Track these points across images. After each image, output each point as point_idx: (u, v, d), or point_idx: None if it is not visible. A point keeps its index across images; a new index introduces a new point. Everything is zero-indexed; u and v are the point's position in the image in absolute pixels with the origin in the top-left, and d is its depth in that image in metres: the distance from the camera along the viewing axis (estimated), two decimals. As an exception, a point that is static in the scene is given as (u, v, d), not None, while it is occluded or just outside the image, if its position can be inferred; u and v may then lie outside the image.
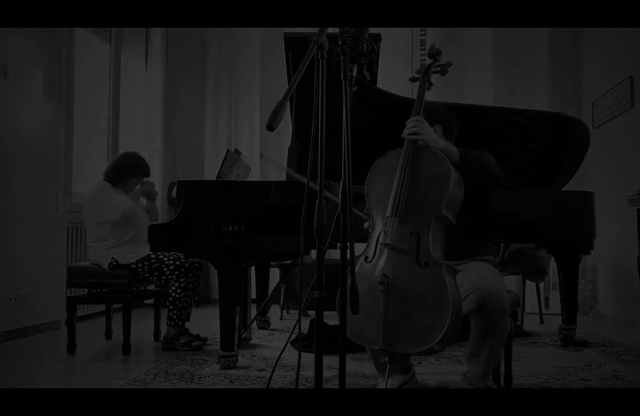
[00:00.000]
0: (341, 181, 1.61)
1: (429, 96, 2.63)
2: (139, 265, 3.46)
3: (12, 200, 3.77)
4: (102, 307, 4.08)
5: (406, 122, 2.20)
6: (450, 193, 2.06)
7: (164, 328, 3.65)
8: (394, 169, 2.16)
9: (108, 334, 3.83)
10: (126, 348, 3.31)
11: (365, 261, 2.08)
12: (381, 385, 2.32)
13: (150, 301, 3.95)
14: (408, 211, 2.07)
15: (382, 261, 2.04)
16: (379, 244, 2.08)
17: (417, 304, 1.93)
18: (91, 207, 3.57)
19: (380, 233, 2.10)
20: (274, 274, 5.10)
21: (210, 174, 5.94)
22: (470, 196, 2.18)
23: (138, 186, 3.73)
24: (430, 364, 3.05)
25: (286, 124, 3.60)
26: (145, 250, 3.44)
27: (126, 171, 3.67)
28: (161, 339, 3.61)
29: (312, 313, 4.27)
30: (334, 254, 3.81)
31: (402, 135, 2.18)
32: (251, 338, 3.82)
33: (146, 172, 3.77)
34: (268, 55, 6.03)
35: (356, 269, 1.83)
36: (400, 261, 2.01)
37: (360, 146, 2.75)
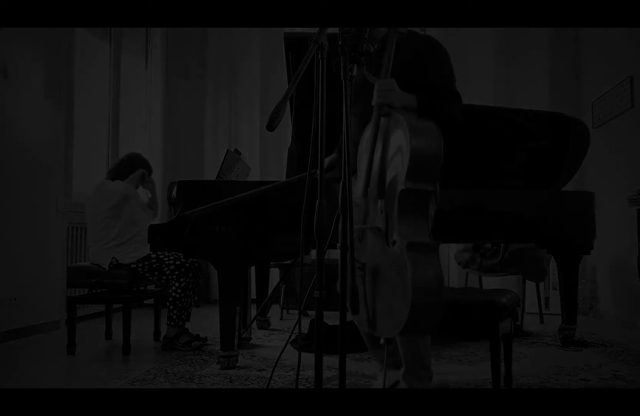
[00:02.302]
0: (341, 181, 1.61)
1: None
2: (139, 265, 3.46)
3: (12, 200, 3.77)
4: (102, 307, 4.08)
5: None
6: (410, 161, 1.81)
7: (164, 328, 3.65)
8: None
9: (108, 334, 3.83)
10: (126, 348, 3.31)
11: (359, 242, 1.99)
12: (380, 378, 2.33)
13: (150, 301, 3.95)
14: (379, 188, 1.91)
15: (363, 243, 1.94)
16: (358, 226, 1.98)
17: (387, 286, 1.80)
18: (93, 203, 3.58)
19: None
20: (274, 274, 5.10)
21: (210, 174, 5.94)
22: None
23: (136, 172, 3.73)
24: (431, 364, 3.05)
25: (286, 125, 3.60)
26: (145, 250, 3.44)
27: (132, 167, 3.69)
28: (161, 339, 3.61)
29: (312, 313, 4.26)
30: (334, 254, 3.81)
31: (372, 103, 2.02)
32: (251, 338, 3.82)
33: (150, 170, 3.80)
34: (268, 56, 6.03)
35: None
36: (374, 242, 1.88)
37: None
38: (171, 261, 3.45)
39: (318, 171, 1.56)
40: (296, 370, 1.69)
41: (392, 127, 1.89)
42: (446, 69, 2.24)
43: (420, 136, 1.81)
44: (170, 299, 3.45)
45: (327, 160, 2.31)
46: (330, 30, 1.64)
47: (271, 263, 4.56)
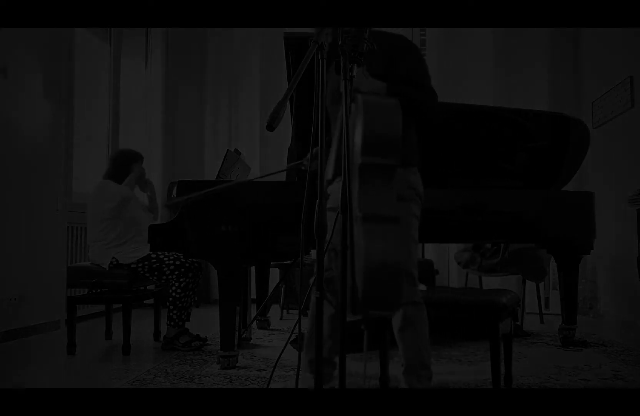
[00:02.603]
0: (341, 181, 1.61)
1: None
2: (139, 265, 3.46)
3: (11, 200, 3.76)
4: (102, 307, 4.08)
5: None
6: (363, 134, 1.78)
7: (164, 328, 3.65)
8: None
9: (108, 334, 3.83)
10: (126, 348, 3.31)
11: None
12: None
13: (150, 301, 3.95)
14: (346, 168, 1.89)
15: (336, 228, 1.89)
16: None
17: (352, 262, 1.73)
18: (93, 203, 3.58)
19: None
20: (274, 274, 5.10)
21: (210, 174, 5.94)
22: None
23: (132, 174, 3.72)
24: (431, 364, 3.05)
25: (286, 125, 3.60)
26: (145, 250, 3.44)
27: (125, 162, 3.69)
28: (161, 339, 3.61)
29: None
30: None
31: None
32: (251, 338, 3.82)
33: (141, 158, 3.79)
34: (268, 56, 6.02)
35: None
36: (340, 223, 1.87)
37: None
38: (171, 261, 3.45)
39: (305, 162, 1.56)
40: (296, 369, 1.69)
41: (356, 111, 1.86)
42: (420, 67, 2.21)
43: (374, 110, 1.80)
44: (170, 299, 3.45)
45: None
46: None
47: (271, 263, 4.56)
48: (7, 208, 3.70)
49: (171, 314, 3.44)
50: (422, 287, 2.60)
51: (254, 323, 4.28)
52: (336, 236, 1.84)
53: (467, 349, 3.41)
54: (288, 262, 4.56)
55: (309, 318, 2.17)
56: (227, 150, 3.76)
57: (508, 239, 3.87)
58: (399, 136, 1.81)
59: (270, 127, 1.41)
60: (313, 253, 3.58)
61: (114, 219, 3.51)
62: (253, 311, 4.32)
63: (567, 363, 3.07)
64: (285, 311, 5.07)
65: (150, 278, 3.52)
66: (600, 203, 3.73)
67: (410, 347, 2.09)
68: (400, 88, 2.02)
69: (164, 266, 3.44)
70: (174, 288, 3.45)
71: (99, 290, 3.55)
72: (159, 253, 3.43)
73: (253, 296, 4.27)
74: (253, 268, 4.31)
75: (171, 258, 3.46)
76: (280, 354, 2.12)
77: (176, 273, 3.44)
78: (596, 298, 5.00)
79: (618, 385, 2.64)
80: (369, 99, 1.83)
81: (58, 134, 4.25)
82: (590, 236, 3.52)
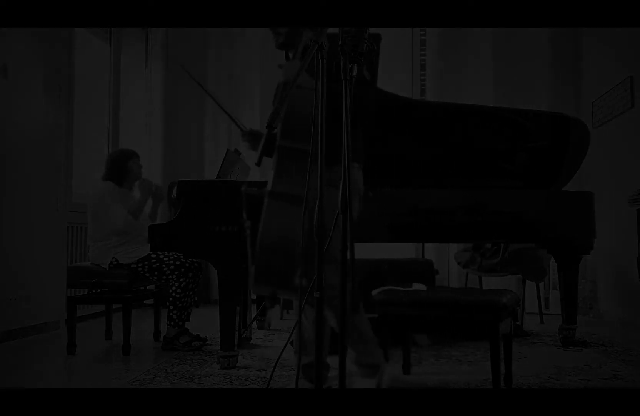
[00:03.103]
0: (341, 181, 1.61)
1: (432, 95, 2.58)
2: (139, 265, 3.46)
3: (11, 200, 3.77)
4: (102, 307, 4.08)
5: None
6: (284, 119, 1.89)
7: (164, 328, 3.65)
8: None
9: (108, 334, 3.83)
10: (126, 348, 3.31)
11: None
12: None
13: (150, 301, 3.95)
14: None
15: None
16: None
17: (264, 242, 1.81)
18: (98, 207, 3.57)
19: None
20: (274, 274, 5.09)
21: (210, 174, 5.94)
22: None
23: (139, 197, 3.72)
24: (430, 364, 3.05)
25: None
26: (145, 250, 3.44)
27: (120, 162, 3.69)
28: (161, 339, 3.61)
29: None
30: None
31: None
32: (251, 338, 3.82)
33: (135, 153, 3.80)
34: (268, 55, 6.02)
35: None
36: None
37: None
38: (171, 261, 3.45)
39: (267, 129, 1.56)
40: (296, 369, 1.69)
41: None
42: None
43: (297, 100, 1.88)
44: (170, 299, 3.45)
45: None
46: (331, 30, 1.64)
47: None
48: (7, 208, 3.71)
49: (171, 314, 3.44)
50: (422, 287, 2.60)
51: (254, 323, 4.28)
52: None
53: (467, 349, 3.41)
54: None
55: (299, 324, 2.13)
56: (227, 150, 3.76)
57: (508, 239, 3.87)
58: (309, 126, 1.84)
59: (270, 127, 1.42)
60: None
61: (110, 217, 3.53)
62: (253, 311, 4.32)
63: (567, 363, 3.07)
64: (285, 311, 5.07)
65: (150, 278, 3.52)
66: (600, 203, 3.72)
67: (363, 353, 2.08)
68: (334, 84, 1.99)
69: (164, 266, 3.44)
70: (174, 288, 3.45)
71: (99, 290, 3.55)
72: (159, 253, 3.43)
73: (253, 296, 4.27)
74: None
75: (171, 258, 3.46)
76: (280, 354, 2.12)
77: (176, 273, 3.44)
78: (596, 298, 5.00)
79: (618, 385, 2.64)
80: (296, 92, 1.89)
81: (58, 134, 4.26)
82: (590, 236, 3.52)
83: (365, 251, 3.87)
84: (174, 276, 3.44)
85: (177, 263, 3.45)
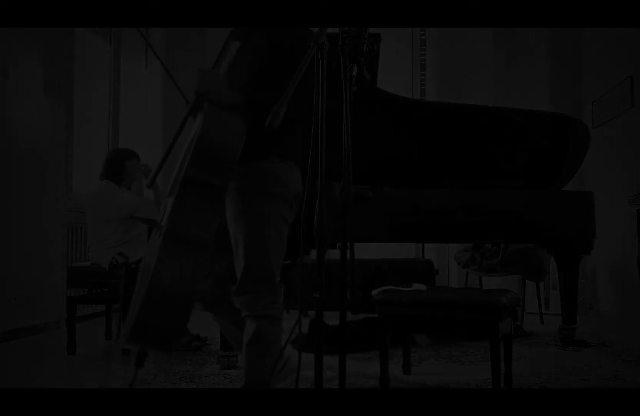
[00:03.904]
0: (341, 181, 1.61)
1: (432, 95, 2.57)
2: (140, 265, 3.46)
3: (11, 200, 3.77)
4: (102, 307, 4.08)
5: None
6: (196, 145, 1.63)
7: (164, 328, 3.64)
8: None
9: (108, 335, 3.83)
10: (126, 348, 3.30)
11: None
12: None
13: (150, 301, 3.95)
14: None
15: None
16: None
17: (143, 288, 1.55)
18: (97, 206, 3.57)
19: None
20: (274, 274, 5.09)
21: (210, 174, 5.92)
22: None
23: (136, 181, 3.71)
24: (430, 364, 3.05)
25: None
26: (145, 250, 3.44)
27: (118, 160, 3.69)
28: (161, 339, 3.60)
29: (312, 313, 4.26)
30: (334, 254, 3.81)
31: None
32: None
33: (134, 153, 3.79)
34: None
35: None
36: (157, 241, 1.66)
37: (359, 146, 2.75)
38: (171, 261, 3.44)
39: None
40: (296, 369, 1.69)
41: (199, 118, 1.72)
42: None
43: (214, 124, 1.66)
44: (170, 299, 3.45)
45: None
46: (331, 30, 1.64)
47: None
48: (6, 208, 3.71)
49: (171, 314, 3.43)
50: (422, 287, 2.60)
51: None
52: (148, 255, 1.66)
53: (467, 349, 3.41)
54: (288, 262, 4.56)
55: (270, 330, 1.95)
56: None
57: (508, 239, 3.87)
58: (234, 161, 1.68)
59: (270, 127, 1.41)
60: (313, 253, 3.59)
61: (117, 222, 3.52)
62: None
63: (567, 363, 3.07)
64: (285, 311, 5.06)
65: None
66: (600, 203, 3.72)
67: (254, 365, 1.89)
68: (260, 95, 1.83)
69: (164, 266, 3.43)
70: (174, 288, 3.44)
71: (99, 290, 3.55)
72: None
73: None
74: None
75: (171, 258, 3.45)
76: (280, 354, 2.12)
77: (176, 273, 3.43)
78: (596, 298, 5.00)
79: (618, 385, 2.64)
80: (214, 111, 1.68)
81: (58, 134, 4.26)
82: (590, 236, 3.52)
83: (365, 251, 3.87)
84: (174, 276, 3.44)
85: (177, 263, 3.44)
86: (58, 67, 4.27)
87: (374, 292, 2.54)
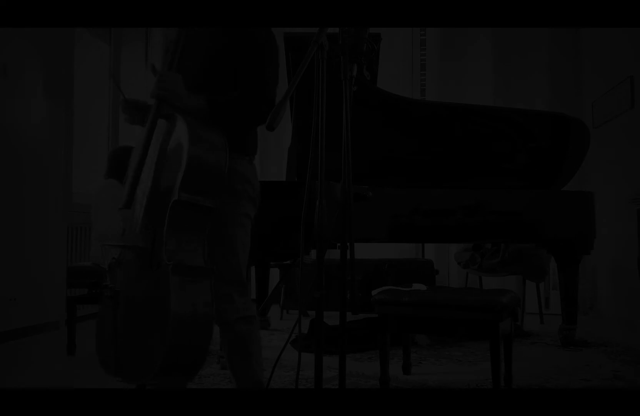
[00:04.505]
0: (341, 181, 1.61)
1: (432, 95, 2.57)
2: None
3: (11, 200, 3.77)
4: (102, 307, 4.07)
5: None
6: (187, 168, 1.56)
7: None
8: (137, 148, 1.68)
9: (108, 335, 3.83)
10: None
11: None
12: None
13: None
14: (149, 199, 1.63)
15: (119, 266, 1.69)
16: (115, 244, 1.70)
17: (144, 319, 1.55)
18: (101, 204, 3.57)
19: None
20: (274, 274, 5.10)
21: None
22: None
23: None
24: (430, 364, 3.05)
25: (286, 125, 3.60)
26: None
27: (122, 158, 3.69)
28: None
29: (312, 313, 4.26)
30: (334, 254, 3.82)
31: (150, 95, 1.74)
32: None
33: None
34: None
35: None
36: (132, 265, 1.62)
37: (359, 146, 2.75)
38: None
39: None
40: (296, 370, 1.69)
41: (173, 133, 1.64)
42: (261, 68, 1.80)
43: (201, 144, 1.60)
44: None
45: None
46: (331, 30, 1.64)
47: (271, 263, 4.56)
48: (6, 208, 3.71)
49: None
50: (422, 287, 2.60)
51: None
52: (125, 282, 1.61)
53: (467, 349, 3.41)
54: (288, 262, 4.56)
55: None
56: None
57: (508, 239, 3.87)
58: (224, 176, 1.66)
59: (270, 127, 1.41)
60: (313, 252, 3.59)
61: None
62: (253, 311, 4.31)
63: (567, 363, 3.07)
64: (285, 311, 5.07)
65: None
66: (600, 203, 3.73)
67: (244, 371, 1.86)
68: (223, 100, 1.74)
69: (164, 266, 3.44)
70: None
71: (99, 290, 3.54)
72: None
73: (253, 296, 4.27)
74: (253, 268, 4.31)
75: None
76: (280, 354, 2.12)
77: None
78: (596, 298, 5.00)
79: (618, 385, 2.64)
80: (199, 133, 1.61)
81: (58, 134, 4.26)
82: (590, 236, 3.52)
83: (365, 251, 3.88)
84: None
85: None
86: (58, 67, 4.27)
87: (374, 292, 2.54)
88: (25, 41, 3.92)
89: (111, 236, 3.49)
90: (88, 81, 4.95)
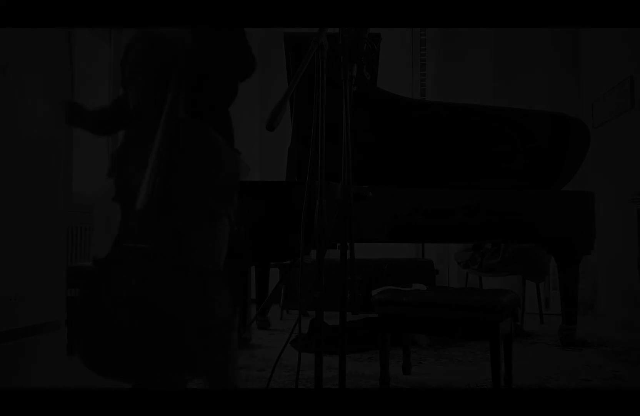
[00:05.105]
0: (341, 181, 1.61)
1: (432, 95, 2.57)
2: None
3: (11, 200, 3.76)
4: (102, 307, 4.07)
5: None
6: (222, 178, 1.64)
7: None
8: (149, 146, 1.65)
9: (108, 335, 3.83)
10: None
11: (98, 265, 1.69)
12: None
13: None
14: (168, 201, 1.61)
15: (126, 269, 1.60)
16: (122, 246, 1.65)
17: (171, 323, 1.54)
18: (103, 199, 3.58)
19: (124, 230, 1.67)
20: (274, 274, 5.09)
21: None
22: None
23: None
24: (431, 364, 3.05)
25: (286, 125, 3.60)
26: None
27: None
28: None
29: (312, 313, 4.26)
30: (334, 254, 3.82)
31: None
32: (251, 338, 3.81)
33: None
34: (268, 56, 6.02)
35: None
36: (148, 268, 1.57)
37: (359, 147, 2.75)
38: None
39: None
40: (296, 370, 1.69)
41: (191, 131, 1.68)
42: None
43: (224, 152, 1.68)
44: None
45: None
46: (331, 30, 1.64)
47: (271, 263, 4.56)
48: (6, 208, 3.70)
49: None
50: (422, 287, 2.60)
51: (254, 323, 4.28)
52: (140, 286, 1.54)
53: (467, 349, 3.41)
54: (288, 262, 4.56)
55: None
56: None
57: (508, 239, 3.87)
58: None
59: (270, 127, 1.41)
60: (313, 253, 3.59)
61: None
62: (253, 311, 4.31)
63: (567, 363, 3.07)
64: (285, 311, 5.07)
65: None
66: (600, 203, 3.72)
67: (217, 374, 1.85)
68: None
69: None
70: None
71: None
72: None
73: (253, 296, 4.27)
74: (253, 268, 4.31)
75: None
76: (280, 354, 2.12)
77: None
78: (596, 298, 5.00)
79: (618, 385, 2.64)
80: (218, 139, 1.67)
81: (58, 134, 4.26)
82: (590, 236, 3.52)
83: (365, 251, 3.88)
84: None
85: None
86: (58, 67, 4.26)
87: (374, 292, 2.54)
88: (26, 41, 3.92)
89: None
90: (88, 81, 4.95)
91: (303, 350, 3.36)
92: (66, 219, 4.30)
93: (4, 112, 3.71)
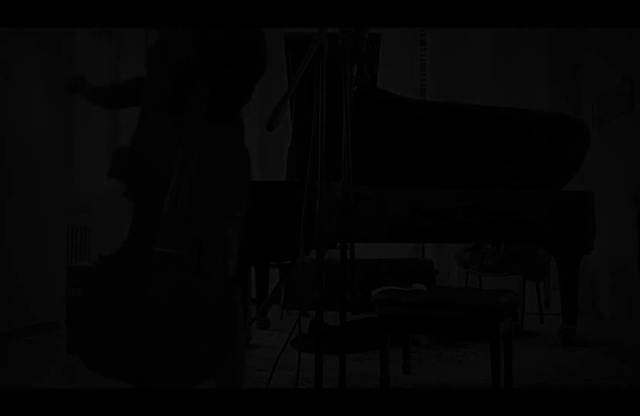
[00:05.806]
0: (341, 181, 1.61)
1: (432, 95, 2.57)
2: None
3: (11, 200, 3.76)
4: (102, 307, 4.07)
5: None
6: (241, 187, 1.68)
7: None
8: (172, 144, 1.67)
9: (108, 334, 3.83)
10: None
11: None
12: None
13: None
14: (189, 207, 1.63)
15: (140, 269, 1.61)
16: (144, 248, 1.64)
17: (188, 326, 1.56)
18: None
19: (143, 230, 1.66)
20: (274, 274, 5.09)
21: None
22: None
23: None
24: (430, 364, 3.05)
25: (286, 125, 3.60)
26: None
27: (124, 158, 3.69)
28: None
29: (312, 313, 4.26)
30: (334, 254, 3.82)
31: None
32: (251, 338, 3.81)
33: None
34: (268, 56, 6.02)
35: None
36: (167, 272, 1.59)
37: (359, 147, 2.75)
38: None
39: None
40: (296, 370, 1.69)
41: (212, 137, 1.70)
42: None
43: (248, 160, 1.71)
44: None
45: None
46: (331, 30, 1.64)
47: (271, 263, 4.56)
48: (6, 208, 3.70)
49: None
50: (422, 287, 2.60)
51: (254, 323, 4.28)
52: (156, 288, 1.56)
53: (467, 349, 3.41)
54: (288, 262, 4.56)
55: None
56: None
57: (508, 239, 3.87)
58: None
59: (270, 127, 1.41)
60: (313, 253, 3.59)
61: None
62: (253, 311, 4.31)
63: (567, 363, 3.07)
64: (285, 311, 5.07)
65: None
66: (600, 203, 3.72)
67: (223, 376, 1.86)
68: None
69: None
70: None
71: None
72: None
73: (253, 296, 4.27)
74: (253, 268, 4.31)
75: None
76: (280, 354, 2.12)
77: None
78: (596, 298, 5.00)
79: (618, 385, 2.64)
80: (243, 146, 1.72)
81: (58, 134, 4.26)
82: (590, 236, 3.52)
83: (365, 251, 3.88)
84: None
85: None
86: (58, 67, 4.26)
87: (374, 292, 2.54)
88: (25, 41, 3.92)
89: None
90: (88, 80, 4.94)
91: (303, 350, 3.35)
92: (66, 219, 4.31)
93: (4, 112, 3.71)
